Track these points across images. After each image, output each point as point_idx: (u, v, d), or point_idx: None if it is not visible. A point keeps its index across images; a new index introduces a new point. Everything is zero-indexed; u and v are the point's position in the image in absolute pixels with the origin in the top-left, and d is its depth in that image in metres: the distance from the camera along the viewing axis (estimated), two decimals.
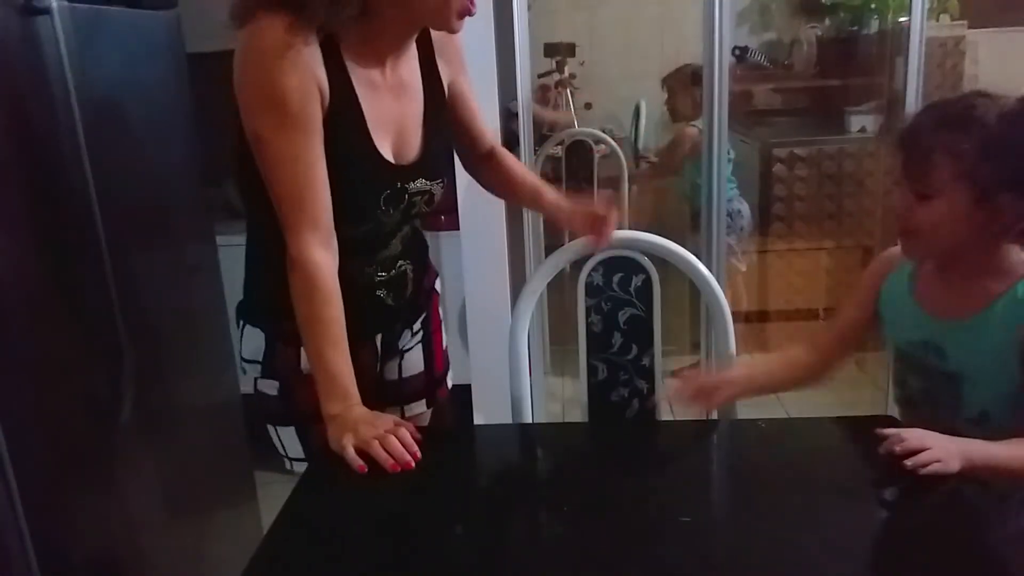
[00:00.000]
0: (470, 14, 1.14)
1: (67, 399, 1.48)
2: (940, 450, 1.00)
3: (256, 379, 1.30)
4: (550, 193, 1.40)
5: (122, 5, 1.69)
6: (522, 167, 1.47)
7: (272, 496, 2.05)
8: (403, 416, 1.45)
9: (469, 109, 1.38)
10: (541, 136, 3.20)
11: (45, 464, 1.41)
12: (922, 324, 1.20)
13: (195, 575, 1.91)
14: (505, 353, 1.38)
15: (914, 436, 1.02)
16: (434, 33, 1.26)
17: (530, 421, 1.41)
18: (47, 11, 1.38)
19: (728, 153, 2.91)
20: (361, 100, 1.15)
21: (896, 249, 1.26)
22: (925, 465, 0.98)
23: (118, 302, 1.55)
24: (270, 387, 1.28)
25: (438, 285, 1.50)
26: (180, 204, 1.94)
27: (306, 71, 1.08)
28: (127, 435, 1.64)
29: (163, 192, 1.87)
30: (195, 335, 1.99)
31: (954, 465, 0.99)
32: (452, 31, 1.16)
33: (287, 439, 1.30)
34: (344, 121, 1.14)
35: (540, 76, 3.41)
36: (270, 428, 1.31)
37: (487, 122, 1.45)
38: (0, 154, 1.33)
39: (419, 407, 1.47)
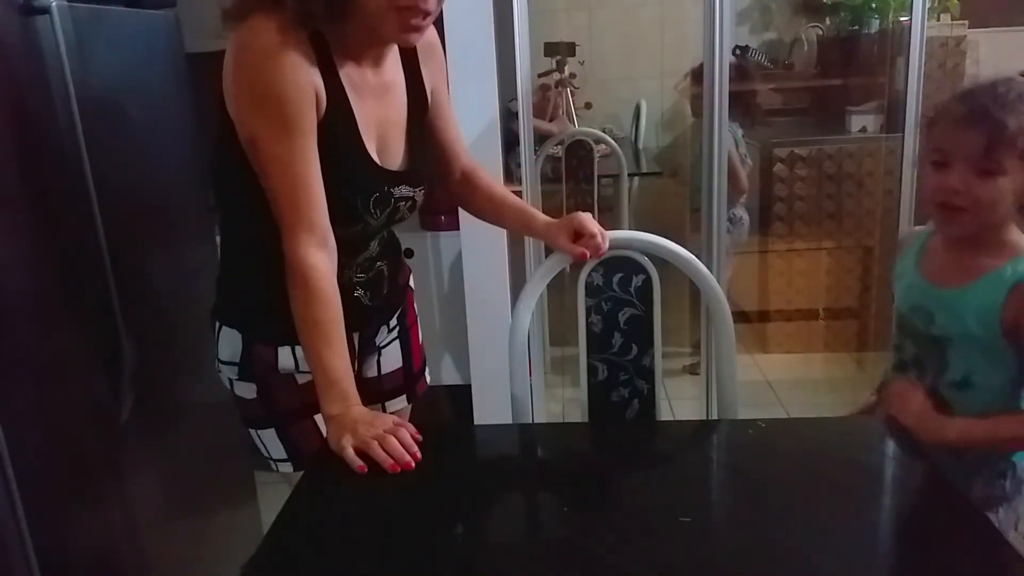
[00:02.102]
0: (418, 30, 1.11)
1: (67, 399, 1.48)
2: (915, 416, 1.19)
3: (232, 381, 1.29)
4: (540, 215, 1.39)
5: (122, 5, 1.69)
6: (503, 187, 1.45)
7: (272, 496, 2.05)
8: (384, 412, 1.45)
9: (445, 120, 1.36)
10: (541, 136, 3.20)
11: (45, 464, 1.41)
12: (921, 291, 1.29)
13: (195, 575, 1.91)
14: (505, 353, 1.38)
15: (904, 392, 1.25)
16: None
17: (530, 421, 1.41)
18: (47, 11, 1.38)
19: (746, 158, 2.92)
20: (352, 103, 1.15)
21: (908, 232, 1.39)
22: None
23: (118, 302, 1.55)
24: (247, 390, 1.28)
25: (412, 282, 1.50)
26: (180, 204, 1.94)
27: (302, 72, 1.08)
28: (127, 435, 1.64)
29: (163, 192, 1.87)
30: (195, 335, 1.98)
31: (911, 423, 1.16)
32: (406, 44, 1.16)
33: (269, 441, 1.29)
34: (337, 122, 1.14)
35: (540, 76, 3.41)
36: (252, 432, 1.31)
37: (467, 136, 1.44)
38: (0, 154, 1.33)
39: (399, 403, 1.48)
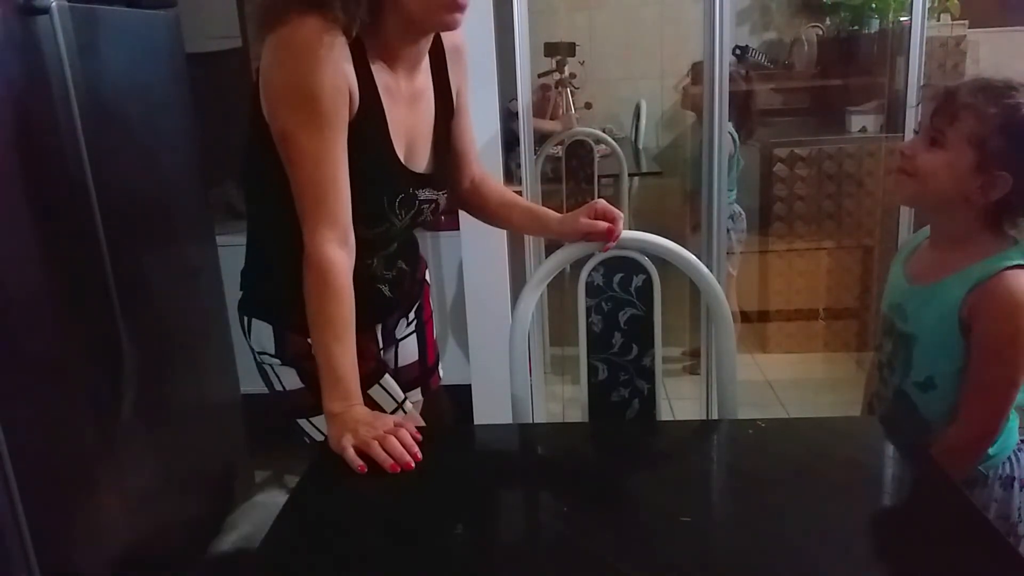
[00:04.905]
0: (462, 9, 1.13)
1: (67, 399, 1.49)
2: None
3: (275, 369, 1.28)
4: (552, 212, 1.40)
5: (122, 5, 1.70)
6: (509, 190, 1.46)
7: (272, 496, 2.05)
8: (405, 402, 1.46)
9: (462, 127, 1.37)
10: (541, 136, 3.20)
11: (45, 463, 1.41)
12: (900, 289, 1.31)
13: (195, 574, 1.91)
14: (505, 353, 1.38)
15: None
16: (446, 41, 1.28)
17: (530, 421, 1.41)
18: (47, 11, 1.38)
19: (738, 161, 2.93)
20: (384, 105, 1.17)
21: (908, 238, 1.39)
22: None
23: (118, 302, 1.55)
24: (291, 380, 1.27)
25: (428, 276, 1.52)
26: (180, 204, 1.94)
27: (338, 70, 1.09)
28: (127, 435, 1.64)
29: (163, 192, 1.87)
30: (195, 335, 1.99)
31: None
32: (449, 27, 1.15)
33: (324, 425, 1.28)
34: (368, 122, 1.15)
35: (540, 76, 3.41)
36: (302, 422, 1.30)
37: (476, 137, 1.43)
38: (0, 154, 1.33)
39: (414, 396, 1.49)
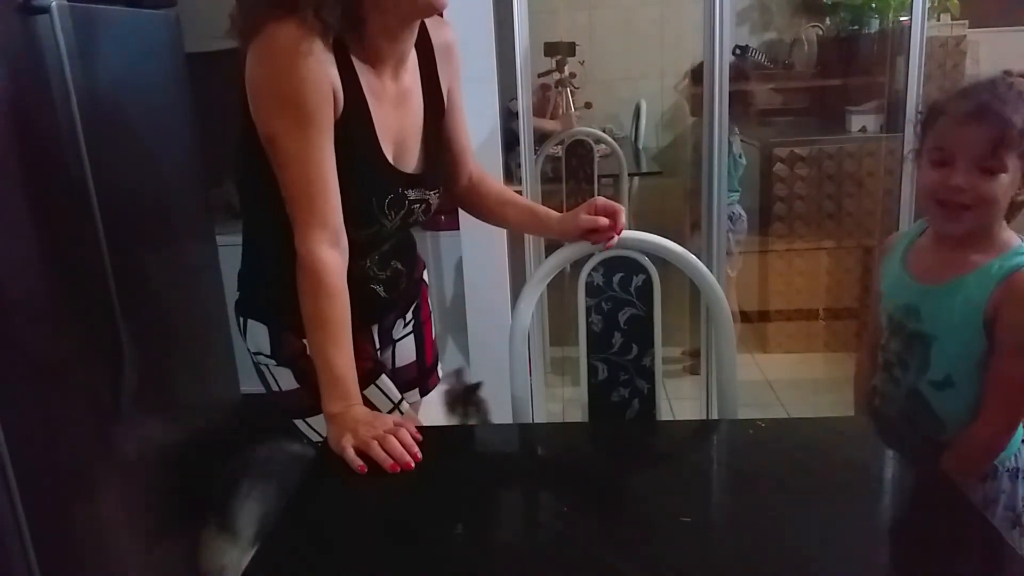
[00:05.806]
0: None
1: (68, 399, 1.49)
2: None
3: (271, 370, 1.28)
4: (552, 211, 1.39)
5: (122, 5, 1.70)
6: (508, 189, 1.46)
7: None
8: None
9: (457, 125, 1.37)
10: (541, 135, 3.20)
11: (45, 464, 1.41)
12: (907, 288, 1.29)
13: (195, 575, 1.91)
14: (505, 353, 1.38)
15: None
16: (435, 39, 1.27)
17: (530, 421, 1.41)
18: (47, 11, 1.38)
19: (740, 158, 2.93)
20: (370, 106, 1.17)
21: (893, 235, 1.38)
22: None
23: (118, 302, 1.55)
24: (288, 378, 1.27)
25: (426, 276, 1.52)
26: (180, 204, 1.94)
27: (321, 72, 1.09)
28: (127, 435, 1.64)
29: (163, 192, 1.87)
30: (195, 335, 1.99)
31: None
32: (435, 9, 1.14)
33: (320, 425, 1.28)
34: (354, 123, 1.15)
35: (540, 75, 3.41)
36: (299, 423, 1.30)
37: (475, 137, 1.43)
38: (0, 154, 1.33)
39: (412, 396, 1.49)
